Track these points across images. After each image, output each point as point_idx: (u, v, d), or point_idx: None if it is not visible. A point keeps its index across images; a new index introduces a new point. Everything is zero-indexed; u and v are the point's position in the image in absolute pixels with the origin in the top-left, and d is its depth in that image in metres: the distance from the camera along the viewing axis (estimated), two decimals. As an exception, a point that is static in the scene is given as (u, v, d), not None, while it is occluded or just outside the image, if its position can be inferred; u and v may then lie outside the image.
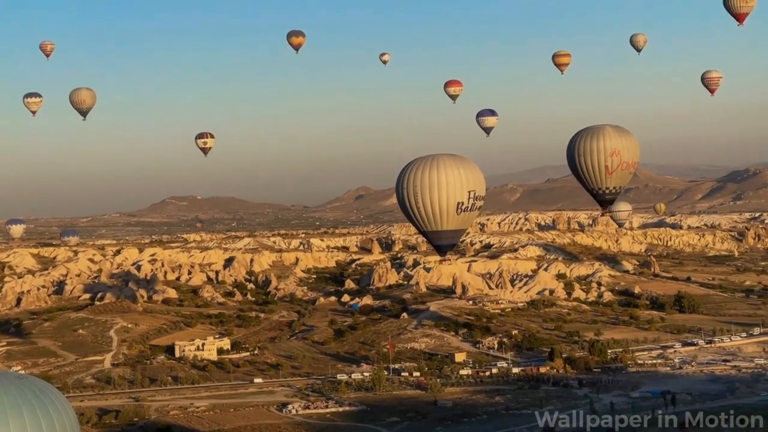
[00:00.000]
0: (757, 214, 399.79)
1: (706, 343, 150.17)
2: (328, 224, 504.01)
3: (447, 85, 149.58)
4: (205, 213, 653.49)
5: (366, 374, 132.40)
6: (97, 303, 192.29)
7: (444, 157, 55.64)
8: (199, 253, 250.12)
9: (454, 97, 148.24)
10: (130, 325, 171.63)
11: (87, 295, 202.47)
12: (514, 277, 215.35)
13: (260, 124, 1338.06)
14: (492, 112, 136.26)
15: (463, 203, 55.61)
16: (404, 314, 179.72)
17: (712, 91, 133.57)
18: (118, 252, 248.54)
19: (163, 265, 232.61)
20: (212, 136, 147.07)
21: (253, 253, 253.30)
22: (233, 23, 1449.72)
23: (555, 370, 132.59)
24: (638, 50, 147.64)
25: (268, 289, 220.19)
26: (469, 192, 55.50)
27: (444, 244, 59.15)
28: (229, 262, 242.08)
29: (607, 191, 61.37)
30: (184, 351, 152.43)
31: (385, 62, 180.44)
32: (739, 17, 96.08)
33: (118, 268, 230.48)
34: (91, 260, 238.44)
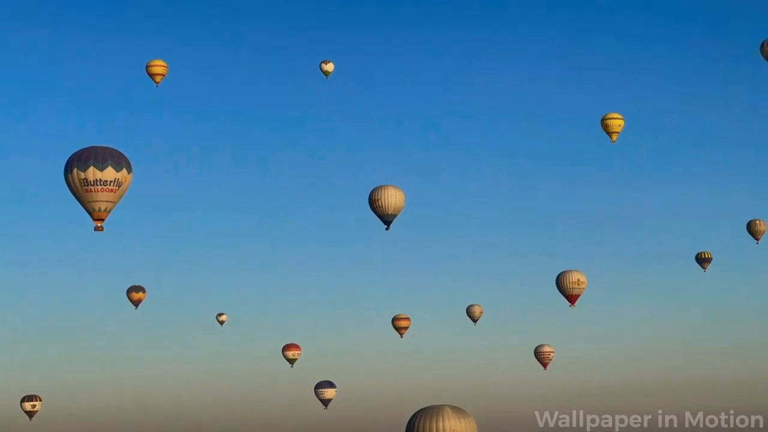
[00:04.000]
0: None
1: None
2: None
3: (285, 348, 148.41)
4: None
5: None
6: None
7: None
8: None
9: (292, 361, 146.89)
10: None
11: None
12: None
13: (89, 385, 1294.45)
14: (330, 384, 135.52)
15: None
16: None
17: (544, 365, 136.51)
18: None
19: None
20: (40, 399, 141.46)
21: None
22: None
23: None
24: (474, 321, 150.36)
25: None
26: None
27: None
28: None
29: (446, 470, 61.34)
30: None
31: (222, 323, 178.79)
32: (571, 298, 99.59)
33: None
34: None
